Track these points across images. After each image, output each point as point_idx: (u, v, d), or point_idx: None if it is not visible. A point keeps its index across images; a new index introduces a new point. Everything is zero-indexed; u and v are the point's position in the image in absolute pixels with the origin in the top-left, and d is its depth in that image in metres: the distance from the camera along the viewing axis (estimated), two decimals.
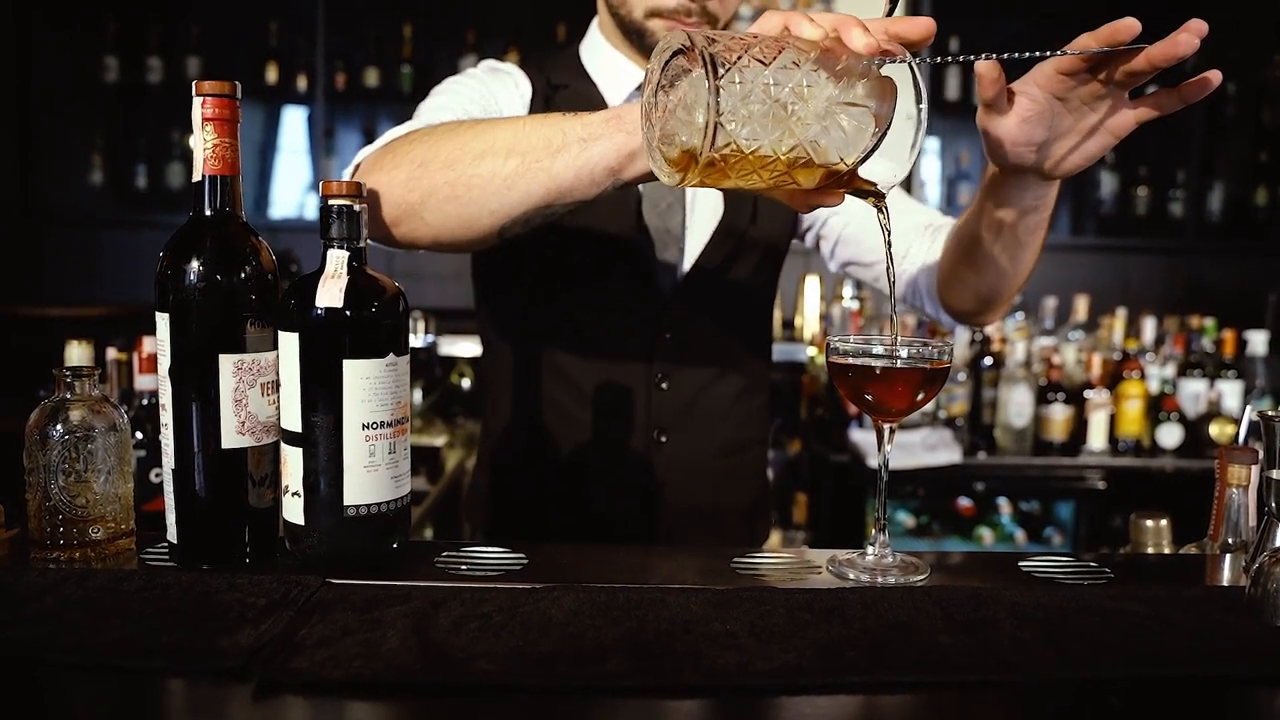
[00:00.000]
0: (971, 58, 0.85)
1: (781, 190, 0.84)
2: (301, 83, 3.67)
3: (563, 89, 1.30)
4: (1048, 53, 0.86)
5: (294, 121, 3.86)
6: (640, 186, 1.28)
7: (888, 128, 0.77)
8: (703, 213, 1.30)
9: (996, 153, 0.95)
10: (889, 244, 0.87)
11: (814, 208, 0.87)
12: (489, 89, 1.26)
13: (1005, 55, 0.85)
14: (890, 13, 0.89)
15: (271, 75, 3.67)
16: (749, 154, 0.73)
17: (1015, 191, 1.04)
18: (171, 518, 0.87)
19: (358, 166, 1.06)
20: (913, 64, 0.79)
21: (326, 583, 0.79)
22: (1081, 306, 3.23)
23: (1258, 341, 3.04)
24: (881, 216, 0.86)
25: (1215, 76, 0.83)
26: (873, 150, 0.77)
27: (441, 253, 1.07)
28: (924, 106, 0.79)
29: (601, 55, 1.33)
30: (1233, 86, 3.80)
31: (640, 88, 1.26)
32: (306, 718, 0.61)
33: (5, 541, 0.92)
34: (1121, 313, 3.22)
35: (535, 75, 1.31)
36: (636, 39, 1.27)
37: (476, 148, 0.95)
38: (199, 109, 0.85)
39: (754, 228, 1.33)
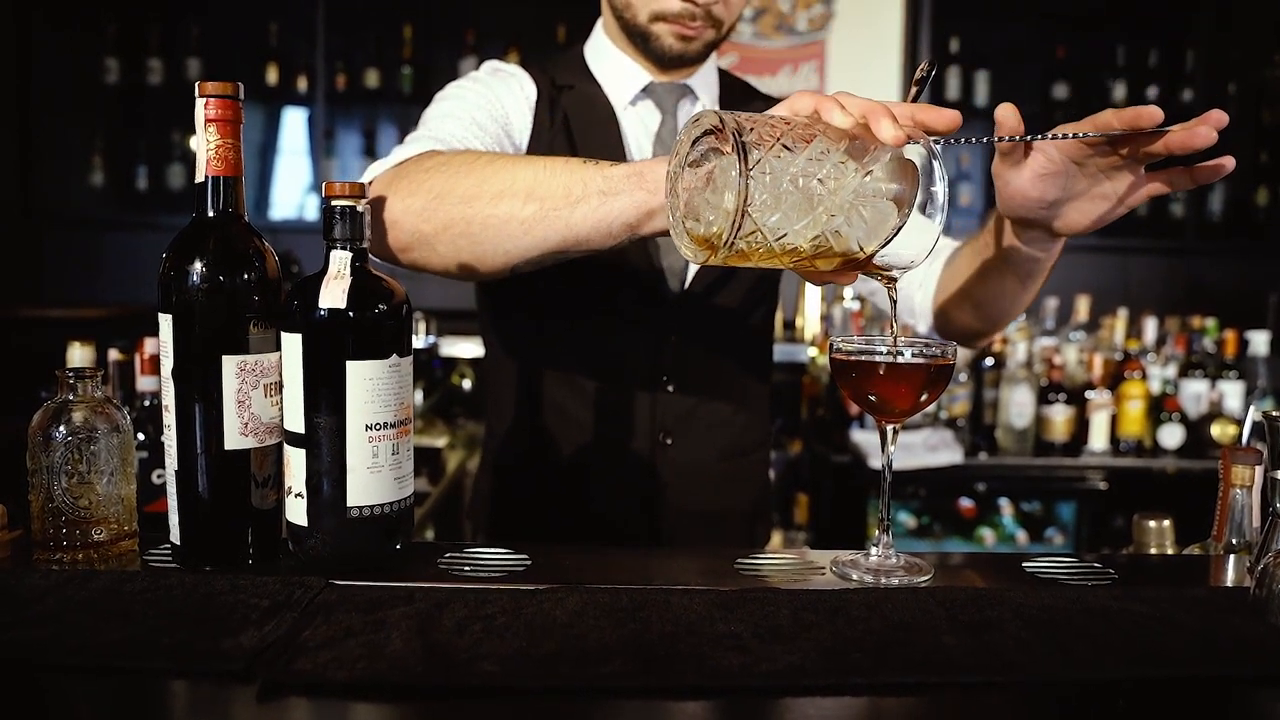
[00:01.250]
0: (988, 139, 0.88)
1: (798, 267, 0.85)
2: (302, 84, 3.67)
3: (568, 89, 1.30)
4: (1070, 134, 0.88)
5: (294, 123, 3.86)
6: None
7: (908, 215, 0.78)
8: None
9: (1008, 204, 0.97)
10: (894, 317, 0.90)
11: (826, 283, 0.89)
12: (494, 93, 1.26)
13: (1029, 137, 0.88)
14: (916, 96, 0.89)
15: (272, 76, 3.67)
16: (773, 241, 0.75)
17: (1020, 240, 1.05)
18: (174, 519, 0.87)
19: (369, 184, 1.06)
20: (934, 149, 0.80)
21: (330, 584, 0.79)
22: (1083, 307, 3.23)
23: (1259, 342, 3.04)
24: (892, 292, 0.88)
25: (1229, 163, 0.86)
26: (892, 238, 0.79)
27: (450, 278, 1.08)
28: (945, 191, 0.80)
29: (606, 57, 1.32)
30: (1233, 86, 3.80)
31: (667, 150, 1.28)
32: (310, 719, 0.61)
33: (8, 543, 0.92)
34: (1123, 313, 3.22)
35: (539, 76, 1.31)
36: (641, 42, 1.27)
37: (495, 187, 0.95)
38: (201, 110, 0.85)
39: None
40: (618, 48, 1.31)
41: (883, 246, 0.79)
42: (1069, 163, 0.91)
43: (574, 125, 1.27)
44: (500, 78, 1.30)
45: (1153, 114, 0.83)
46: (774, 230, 0.74)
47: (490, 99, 1.25)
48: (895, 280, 0.86)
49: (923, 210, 0.79)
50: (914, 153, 0.79)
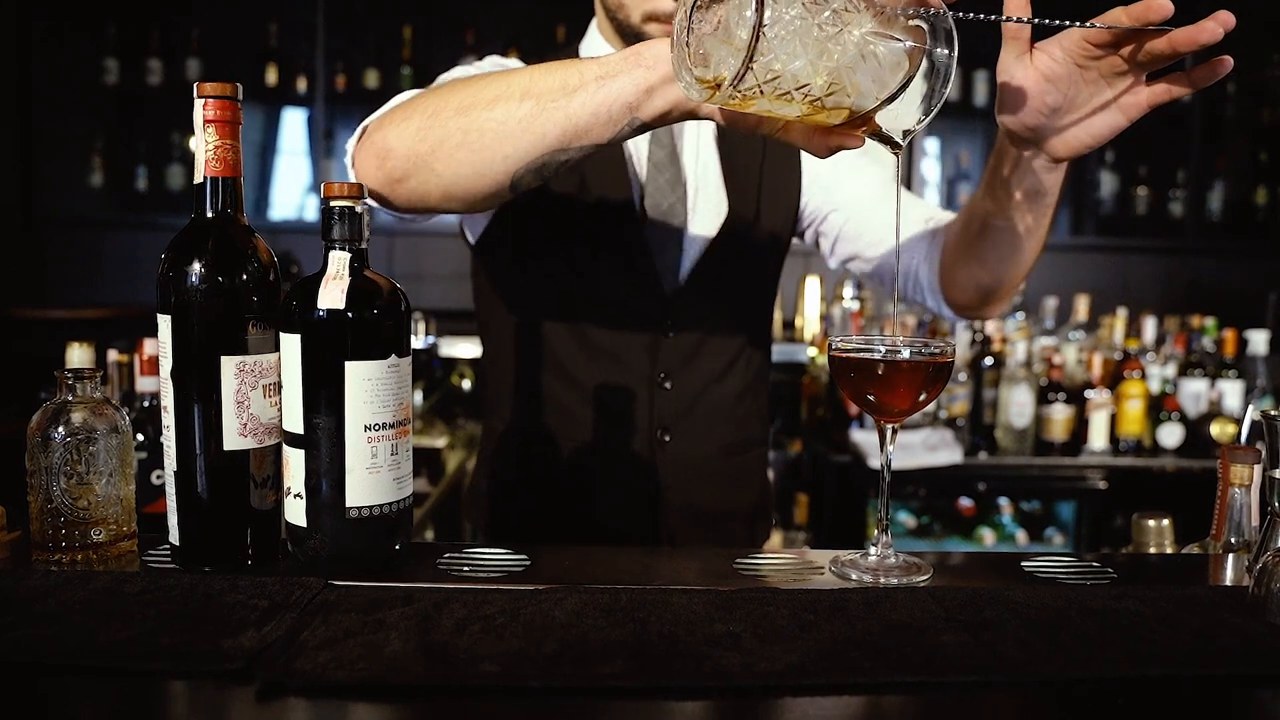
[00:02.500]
0: (996, 18, 0.87)
1: (801, 131, 0.84)
2: (301, 85, 3.67)
3: None
4: (1078, 23, 0.87)
5: (294, 123, 3.86)
6: (641, 181, 1.28)
7: (917, 70, 0.78)
8: (705, 212, 1.30)
9: (1010, 109, 0.95)
10: (900, 195, 0.88)
11: (833, 150, 0.87)
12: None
13: (1036, 20, 0.87)
14: None
15: (271, 77, 3.67)
16: (784, 74, 0.74)
17: (1020, 173, 1.03)
18: (173, 520, 0.86)
19: (365, 129, 1.05)
20: (947, 14, 0.80)
21: (329, 584, 0.79)
22: (1082, 306, 3.23)
23: (1258, 341, 3.04)
24: (896, 157, 0.87)
25: (1227, 61, 0.85)
26: (901, 90, 0.78)
27: (448, 212, 1.05)
28: (954, 57, 0.80)
29: (597, 53, 1.33)
30: (1233, 86, 3.80)
31: (663, 148, 1.28)
32: (309, 719, 0.61)
33: (7, 544, 0.92)
34: (1122, 312, 3.22)
35: None
36: (634, 42, 1.27)
37: (490, 94, 0.94)
38: (200, 111, 0.85)
39: (756, 226, 1.33)
40: (612, 47, 1.31)
41: (894, 96, 0.78)
42: (1073, 66, 0.91)
43: None
44: (501, 68, 1.30)
45: (1162, 6, 0.82)
46: (786, 60, 0.73)
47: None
48: (900, 147, 0.85)
49: (931, 68, 0.79)
50: (925, 17, 0.80)
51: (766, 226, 1.34)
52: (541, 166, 0.96)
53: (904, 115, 0.81)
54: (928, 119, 0.82)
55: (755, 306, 1.39)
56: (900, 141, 0.85)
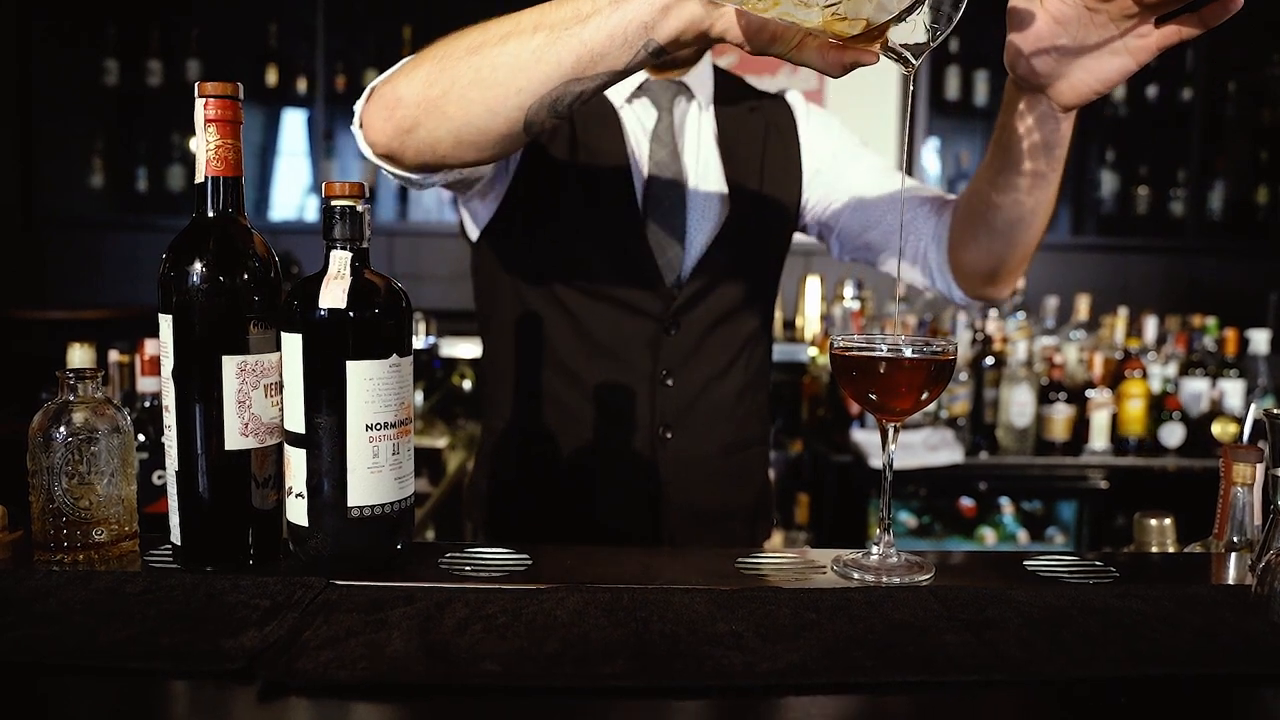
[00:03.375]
0: None
1: (817, 49, 0.84)
2: (301, 85, 3.67)
3: None
4: None
5: (294, 124, 3.86)
6: (644, 177, 1.28)
7: None
8: (706, 210, 1.30)
9: (1020, 51, 0.95)
10: (911, 115, 0.86)
11: (849, 68, 0.86)
12: None
13: None
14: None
15: (271, 78, 3.67)
16: None
17: (1029, 125, 1.03)
18: (175, 520, 0.86)
19: (373, 89, 1.03)
20: None
21: (330, 584, 0.79)
22: (1083, 306, 3.23)
23: (1260, 340, 3.03)
24: (908, 73, 0.87)
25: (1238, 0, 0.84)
26: (918, 4, 0.78)
27: (460, 164, 1.03)
28: None
29: None
30: (1233, 86, 3.80)
31: (664, 148, 1.28)
32: (311, 719, 0.61)
33: (8, 544, 0.92)
34: (1123, 312, 3.22)
35: None
36: None
37: (500, 31, 0.93)
38: (201, 110, 0.85)
39: (757, 223, 1.33)
40: None
41: (909, 9, 0.78)
42: (1082, 8, 0.90)
43: (575, 119, 1.27)
44: None
45: None
46: None
47: None
48: (913, 65, 0.85)
49: None
50: None
51: (768, 223, 1.34)
52: (555, 101, 0.94)
53: (917, 31, 0.81)
54: (942, 37, 0.82)
55: (757, 303, 1.39)
56: (914, 60, 0.85)
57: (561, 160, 1.27)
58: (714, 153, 1.33)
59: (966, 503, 2.96)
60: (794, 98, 1.44)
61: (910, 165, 1.00)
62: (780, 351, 2.99)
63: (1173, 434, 2.89)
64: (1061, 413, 2.83)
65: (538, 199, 1.27)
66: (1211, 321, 3.14)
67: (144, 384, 1.26)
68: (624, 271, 1.27)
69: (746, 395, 1.37)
